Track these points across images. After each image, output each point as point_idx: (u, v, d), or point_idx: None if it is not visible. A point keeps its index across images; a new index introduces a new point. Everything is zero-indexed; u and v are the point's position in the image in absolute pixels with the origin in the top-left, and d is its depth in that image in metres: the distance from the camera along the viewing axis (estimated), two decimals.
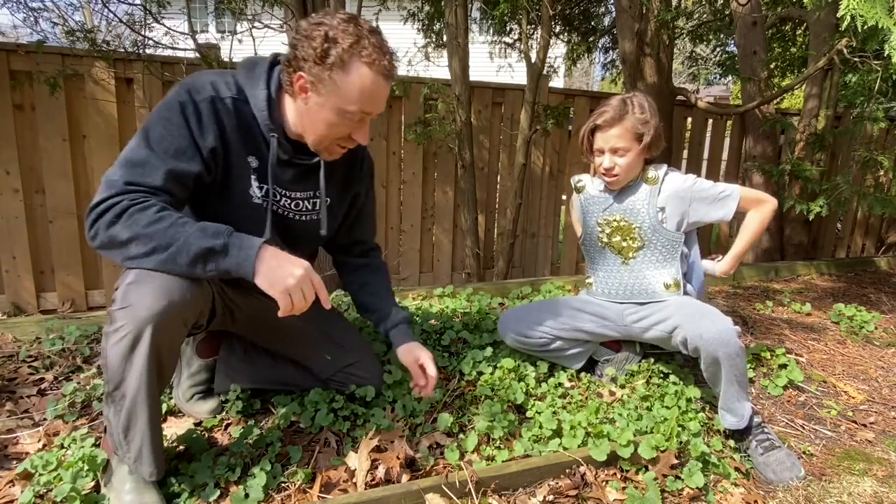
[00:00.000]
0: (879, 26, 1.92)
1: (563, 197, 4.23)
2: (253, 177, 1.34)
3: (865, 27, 1.95)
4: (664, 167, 1.80)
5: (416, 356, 1.56)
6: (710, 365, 1.59)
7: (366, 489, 1.33)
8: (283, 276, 1.13)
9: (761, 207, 1.80)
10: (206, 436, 1.52)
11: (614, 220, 1.84)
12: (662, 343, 1.81)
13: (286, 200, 1.41)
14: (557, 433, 1.57)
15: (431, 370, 1.53)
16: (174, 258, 1.11)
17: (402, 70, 4.29)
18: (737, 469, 1.52)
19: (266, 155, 1.33)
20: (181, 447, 1.49)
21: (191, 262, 1.12)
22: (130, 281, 1.14)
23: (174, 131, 1.20)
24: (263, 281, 1.13)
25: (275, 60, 1.34)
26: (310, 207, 1.46)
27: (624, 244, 1.83)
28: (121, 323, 1.12)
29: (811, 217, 3.56)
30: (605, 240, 1.86)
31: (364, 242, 1.72)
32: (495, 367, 1.87)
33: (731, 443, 1.63)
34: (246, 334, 1.63)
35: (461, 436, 1.57)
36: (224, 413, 1.61)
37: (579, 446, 1.51)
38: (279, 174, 1.36)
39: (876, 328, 2.69)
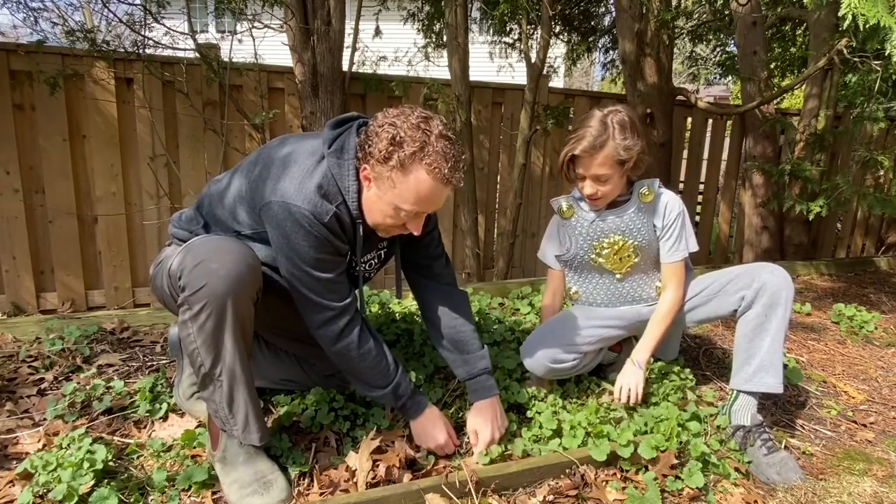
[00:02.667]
0: (881, 25, 1.91)
1: None
2: None
3: (867, 26, 1.94)
4: (656, 182, 1.73)
5: (474, 428, 1.52)
6: (766, 309, 1.61)
7: (366, 489, 1.33)
8: (425, 439, 1.50)
9: (676, 292, 1.74)
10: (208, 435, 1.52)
11: (611, 242, 1.76)
12: (691, 317, 1.79)
13: (363, 266, 1.55)
14: (557, 433, 1.57)
15: (480, 445, 1.50)
16: (375, 395, 1.50)
17: (401, 70, 4.29)
18: (736, 469, 1.52)
19: (352, 232, 1.42)
20: (186, 449, 1.49)
21: (382, 402, 1.61)
22: (194, 263, 1.22)
23: (326, 254, 1.35)
24: (413, 432, 1.52)
25: (358, 133, 1.36)
26: (376, 262, 1.61)
27: (619, 262, 1.77)
28: (201, 304, 1.21)
29: (811, 217, 3.56)
30: (600, 260, 1.79)
31: (430, 267, 1.65)
32: (496, 367, 1.87)
33: (732, 442, 1.63)
34: (256, 327, 1.62)
35: (462, 435, 1.57)
36: None
37: (579, 446, 1.51)
38: (363, 248, 1.49)
39: (876, 328, 2.69)
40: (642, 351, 1.73)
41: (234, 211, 1.41)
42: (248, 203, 1.38)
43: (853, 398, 2.03)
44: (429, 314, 1.64)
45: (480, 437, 1.50)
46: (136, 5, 3.06)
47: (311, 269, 1.34)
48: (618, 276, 1.80)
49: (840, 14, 1.99)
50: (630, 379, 1.70)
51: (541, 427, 1.58)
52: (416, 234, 1.39)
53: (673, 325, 1.79)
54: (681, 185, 4.90)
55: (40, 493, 1.27)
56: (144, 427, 1.61)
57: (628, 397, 1.69)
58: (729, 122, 4.68)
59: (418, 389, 1.56)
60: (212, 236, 1.40)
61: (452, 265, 1.72)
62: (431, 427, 1.50)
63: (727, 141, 4.74)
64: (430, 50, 4.89)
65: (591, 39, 5.65)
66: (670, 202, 1.73)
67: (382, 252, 1.60)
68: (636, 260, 1.76)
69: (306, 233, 1.30)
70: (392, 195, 1.28)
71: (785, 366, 2.05)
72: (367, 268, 1.58)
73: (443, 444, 1.49)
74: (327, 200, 1.31)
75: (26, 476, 1.31)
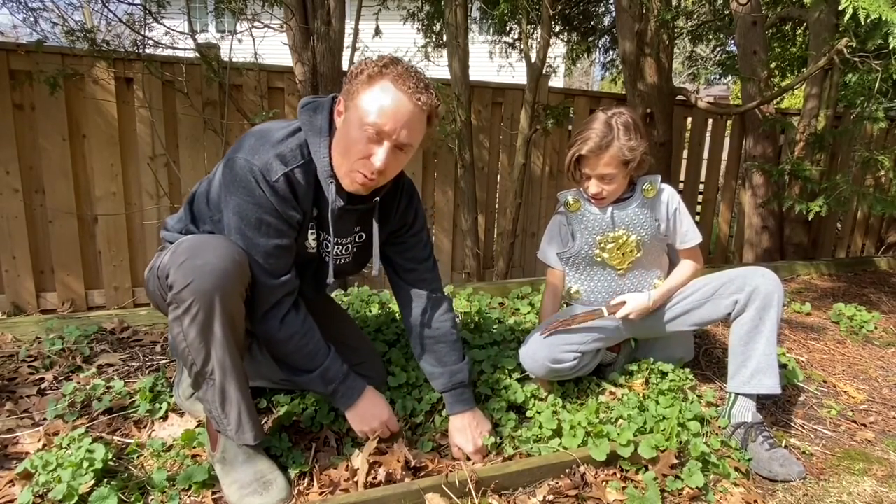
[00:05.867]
0: (883, 19, 1.91)
1: None
2: (310, 230, 1.42)
3: (867, 21, 1.94)
4: (658, 178, 1.77)
5: (456, 443, 1.51)
6: (759, 312, 1.64)
7: (366, 489, 1.33)
8: (368, 420, 1.46)
9: (696, 263, 1.83)
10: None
11: (615, 236, 1.78)
12: (685, 320, 1.80)
13: (338, 248, 1.48)
14: (557, 433, 1.57)
15: (475, 459, 1.50)
16: (303, 381, 1.43)
17: None
18: (737, 469, 1.52)
19: (325, 206, 1.37)
20: (186, 448, 1.49)
21: (312, 390, 1.54)
22: (180, 261, 1.20)
23: (269, 215, 1.30)
24: (352, 419, 1.47)
25: (332, 101, 1.37)
26: (352, 248, 1.53)
27: (622, 257, 1.79)
28: (188, 301, 1.19)
29: (811, 217, 3.56)
30: (604, 255, 1.80)
31: (415, 270, 1.60)
32: (496, 367, 1.87)
33: (733, 441, 1.63)
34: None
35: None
36: None
37: (579, 446, 1.51)
38: (336, 223, 1.40)
39: (876, 328, 2.69)
40: (658, 291, 1.78)
41: (219, 204, 1.38)
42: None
43: (853, 398, 2.03)
44: (410, 323, 1.59)
45: (463, 447, 1.49)
46: (135, 5, 3.07)
47: (251, 229, 1.29)
48: (619, 271, 1.82)
49: (840, 7, 1.99)
50: (636, 299, 1.75)
51: (541, 427, 1.58)
52: (378, 165, 1.26)
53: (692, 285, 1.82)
54: (681, 185, 4.90)
55: (40, 492, 1.27)
56: (144, 427, 1.61)
57: (620, 310, 1.75)
58: (729, 122, 4.68)
59: (352, 372, 1.47)
60: (199, 235, 1.38)
61: (439, 270, 1.66)
62: (373, 406, 1.47)
63: (727, 141, 4.74)
64: (430, 50, 4.89)
65: (590, 39, 5.66)
66: (669, 195, 1.79)
67: (357, 237, 1.52)
68: (638, 255, 1.79)
69: (251, 189, 1.27)
70: (357, 111, 1.25)
71: (784, 366, 2.06)
72: (341, 252, 1.51)
73: (387, 419, 1.47)
74: (282, 161, 1.29)
75: (26, 476, 1.32)
